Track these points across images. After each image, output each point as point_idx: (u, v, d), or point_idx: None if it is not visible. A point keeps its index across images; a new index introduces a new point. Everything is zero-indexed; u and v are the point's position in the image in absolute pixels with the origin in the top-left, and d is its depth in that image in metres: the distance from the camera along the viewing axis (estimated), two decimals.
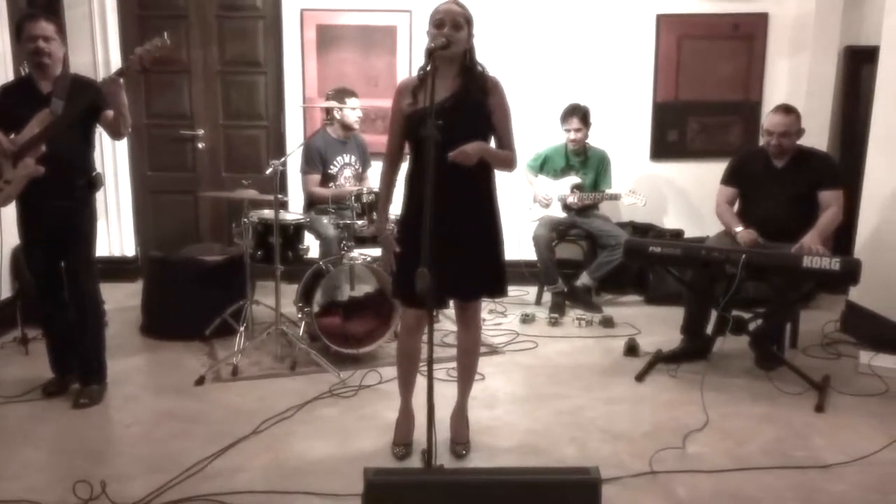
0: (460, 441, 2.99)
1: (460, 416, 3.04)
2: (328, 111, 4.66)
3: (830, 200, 3.85)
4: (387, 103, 5.20)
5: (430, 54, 2.50)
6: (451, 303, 2.99)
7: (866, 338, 4.29)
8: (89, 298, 3.43)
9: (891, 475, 2.81)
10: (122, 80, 3.17)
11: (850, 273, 3.34)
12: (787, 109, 3.92)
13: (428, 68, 2.52)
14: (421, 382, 2.75)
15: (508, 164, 2.82)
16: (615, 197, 4.99)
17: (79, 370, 3.48)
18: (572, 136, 5.05)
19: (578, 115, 5.00)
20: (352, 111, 4.64)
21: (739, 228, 3.92)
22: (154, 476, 2.71)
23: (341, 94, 4.63)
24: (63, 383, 3.51)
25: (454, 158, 2.57)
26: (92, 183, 3.39)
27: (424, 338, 2.45)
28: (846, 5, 5.16)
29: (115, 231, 5.60)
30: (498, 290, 2.89)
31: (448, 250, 2.57)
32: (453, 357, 3.19)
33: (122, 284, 5.38)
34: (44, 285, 3.42)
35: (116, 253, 5.62)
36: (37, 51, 3.20)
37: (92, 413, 3.33)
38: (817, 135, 4.99)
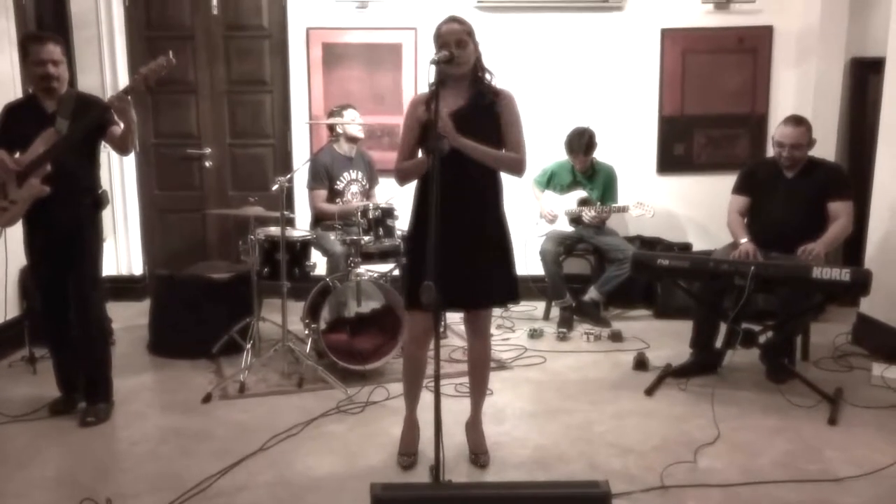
0: (480, 451, 2.98)
1: (475, 427, 3.04)
2: (331, 128, 4.70)
3: (839, 211, 3.82)
4: (393, 120, 5.32)
5: (436, 66, 2.53)
6: (461, 316, 2.99)
7: (878, 350, 4.25)
8: (95, 317, 3.43)
9: None
10: (129, 98, 3.17)
11: (861, 283, 3.31)
12: (797, 121, 3.88)
13: (433, 81, 2.55)
14: (428, 398, 2.73)
15: (514, 167, 2.82)
16: (623, 209, 4.98)
17: (85, 389, 3.47)
18: (578, 166, 5.09)
19: (581, 149, 4.97)
20: (351, 123, 4.68)
21: (744, 240, 3.88)
22: (160, 494, 2.69)
23: (340, 109, 4.72)
24: (70, 402, 3.50)
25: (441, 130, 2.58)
26: (98, 201, 3.40)
27: (431, 352, 2.45)
28: (851, 16, 5.15)
29: (123, 250, 5.61)
30: (510, 298, 2.93)
31: (458, 259, 2.58)
32: (460, 372, 3.18)
33: (130, 303, 5.39)
34: (50, 304, 3.41)
35: (124, 272, 5.64)
36: (46, 76, 3.20)
37: (99, 431, 3.32)
38: (825, 146, 4.96)
